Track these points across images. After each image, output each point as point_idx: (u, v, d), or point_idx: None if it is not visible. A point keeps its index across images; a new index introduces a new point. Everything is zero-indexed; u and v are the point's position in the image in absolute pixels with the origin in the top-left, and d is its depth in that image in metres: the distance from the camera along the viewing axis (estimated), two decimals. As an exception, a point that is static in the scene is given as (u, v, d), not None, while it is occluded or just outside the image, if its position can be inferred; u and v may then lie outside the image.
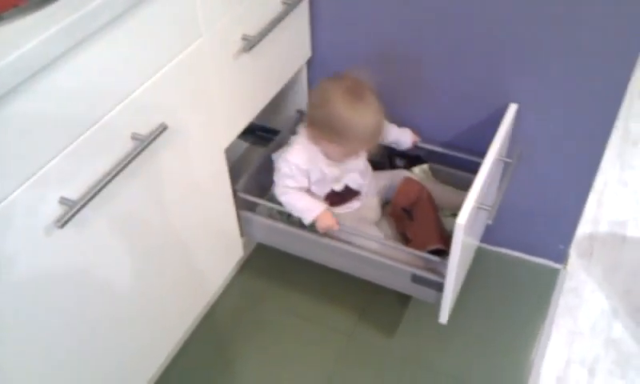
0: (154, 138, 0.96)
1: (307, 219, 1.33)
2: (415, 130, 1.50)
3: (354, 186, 1.40)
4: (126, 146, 0.95)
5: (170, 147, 1.06)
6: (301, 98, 1.59)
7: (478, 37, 1.31)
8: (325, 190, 1.38)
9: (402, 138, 1.48)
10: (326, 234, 1.36)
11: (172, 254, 1.18)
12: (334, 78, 1.30)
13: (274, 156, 1.49)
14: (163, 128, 0.98)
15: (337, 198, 1.39)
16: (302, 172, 1.34)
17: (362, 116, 1.25)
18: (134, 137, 0.96)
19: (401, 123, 1.49)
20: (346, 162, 1.36)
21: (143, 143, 0.94)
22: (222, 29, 1.12)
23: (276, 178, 1.37)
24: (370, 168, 1.46)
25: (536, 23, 1.23)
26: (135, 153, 0.93)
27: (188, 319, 1.34)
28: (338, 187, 1.38)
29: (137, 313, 1.13)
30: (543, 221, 1.53)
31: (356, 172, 1.39)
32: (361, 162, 1.40)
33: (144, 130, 0.97)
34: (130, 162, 0.92)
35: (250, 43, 1.17)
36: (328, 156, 1.34)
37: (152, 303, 1.16)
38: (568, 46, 1.23)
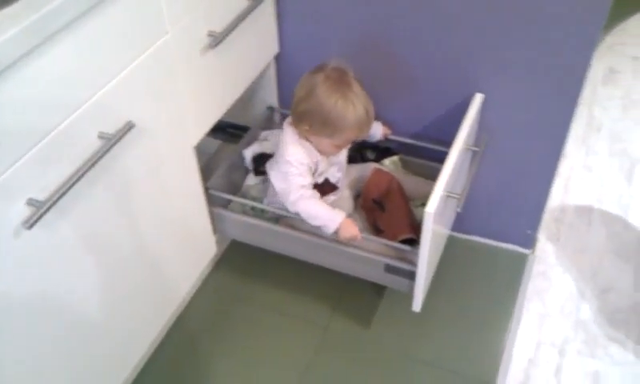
0: (121, 137, 0.96)
1: (330, 228, 1.29)
2: (386, 122, 1.52)
3: (332, 179, 1.40)
4: (93, 145, 0.95)
5: (138, 145, 1.06)
6: (270, 94, 1.59)
7: (444, 29, 1.33)
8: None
9: (373, 130, 1.49)
10: (298, 227, 1.37)
11: (143, 254, 1.18)
12: (317, 70, 1.28)
13: (246, 152, 1.50)
14: (130, 126, 0.98)
15: (316, 191, 1.38)
16: (306, 167, 1.31)
17: (353, 105, 1.24)
18: (101, 136, 0.95)
19: (370, 116, 1.50)
20: (334, 154, 1.36)
21: (110, 142, 0.94)
22: (188, 26, 1.12)
23: (283, 185, 1.32)
24: (345, 161, 1.47)
25: (498, 14, 1.26)
26: (102, 152, 0.93)
27: (161, 320, 1.33)
28: (320, 180, 1.38)
29: (108, 314, 1.12)
30: (511, 207, 1.56)
31: (337, 165, 1.40)
32: (343, 156, 1.41)
33: (111, 128, 0.96)
34: (97, 160, 0.92)
35: (216, 40, 1.17)
36: (319, 150, 1.33)
37: (123, 304, 1.16)
38: (529, 35, 1.26)
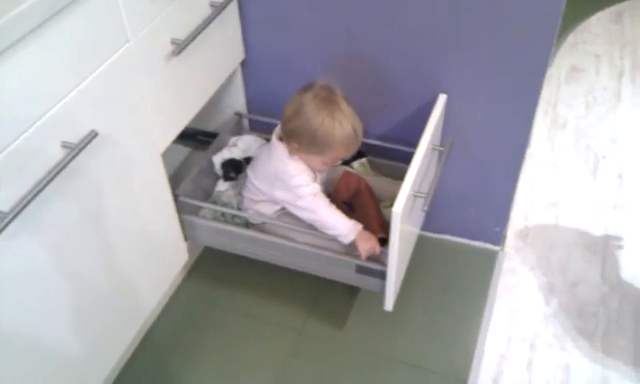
0: (84, 146, 0.95)
1: (347, 238, 1.30)
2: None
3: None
4: (56, 155, 0.94)
5: (103, 154, 1.06)
6: (238, 100, 1.60)
7: (407, 32, 1.35)
8: None
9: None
10: (270, 232, 1.38)
11: (111, 264, 1.17)
12: (305, 89, 1.30)
13: (215, 158, 1.50)
14: (93, 135, 0.97)
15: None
16: (310, 176, 1.33)
17: (340, 123, 1.26)
18: (65, 145, 0.95)
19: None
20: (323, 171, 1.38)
21: (74, 151, 0.94)
22: (150, 33, 1.12)
23: (288, 195, 1.33)
24: None
25: (459, 16, 1.28)
26: (65, 161, 0.92)
27: (132, 330, 1.31)
28: None
29: (75, 326, 1.10)
30: (479, 205, 1.59)
31: (321, 175, 1.42)
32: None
33: (74, 138, 0.96)
34: (60, 170, 0.92)
35: (180, 47, 1.17)
36: (309, 166, 1.34)
37: (91, 316, 1.14)
38: (488, 36, 1.28)
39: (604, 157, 1.97)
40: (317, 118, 1.26)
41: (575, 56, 2.40)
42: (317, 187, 1.33)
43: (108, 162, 1.08)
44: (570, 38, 2.49)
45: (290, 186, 1.32)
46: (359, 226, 1.32)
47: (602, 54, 2.40)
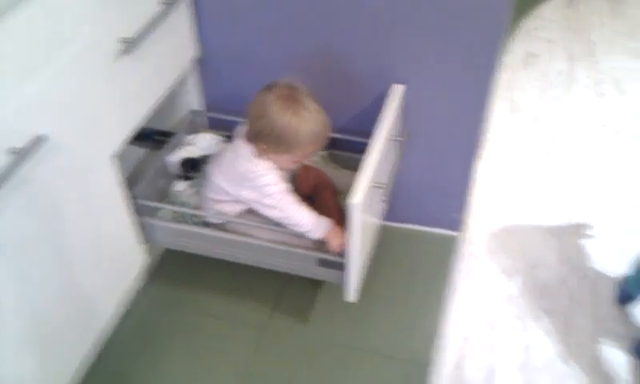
0: (31, 151, 0.93)
1: (317, 235, 1.31)
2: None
3: None
4: (2, 161, 0.92)
5: (54, 159, 1.03)
6: (193, 98, 1.58)
7: (362, 23, 1.35)
8: None
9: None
10: (231, 231, 1.37)
11: (66, 271, 1.15)
12: (268, 88, 1.28)
13: (171, 158, 1.49)
14: (41, 140, 0.95)
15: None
16: (279, 174, 1.32)
17: (306, 121, 1.25)
18: (11, 151, 0.93)
19: (295, 113, 1.52)
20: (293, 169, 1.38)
21: (21, 157, 0.92)
22: (97, 33, 1.10)
23: (263, 194, 1.31)
24: None
25: (411, 6, 1.29)
26: (12, 168, 0.90)
27: (91, 337, 1.29)
28: None
29: (32, 334, 1.08)
30: (438, 193, 1.61)
31: (286, 174, 1.41)
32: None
33: (21, 144, 0.94)
34: (7, 176, 0.90)
35: (129, 46, 1.15)
36: (279, 167, 1.33)
37: (48, 324, 1.12)
38: (440, 26, 1.30)
39: (560, 139, 2.02)
40: (282, 118, 1.25)
41: (529, 42, 2.44)
42: (285, 185, 1.33)
43: (59, 167, 1.06)
44: (524, 25, 2.54)
45: (258, 185, 1.31)
46: (329, 222, 1.32)
47: (556, 40, 2.45)
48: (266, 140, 1.28)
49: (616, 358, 1.44)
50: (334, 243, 1.31)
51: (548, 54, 2.37)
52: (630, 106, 2.11)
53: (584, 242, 1.70)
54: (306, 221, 1.31)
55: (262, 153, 1.30)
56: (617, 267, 1.59)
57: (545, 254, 1.67)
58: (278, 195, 1.31)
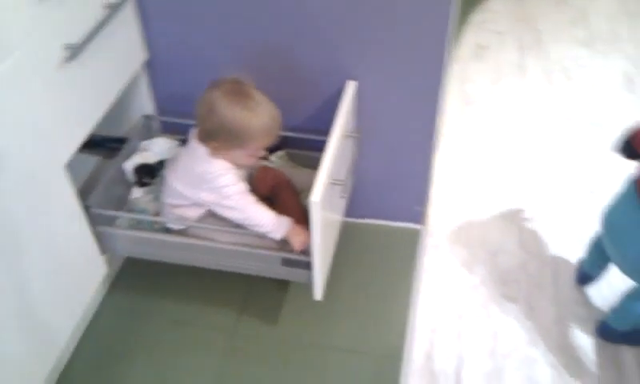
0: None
1: (277, 234, 1.30)
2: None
3: None
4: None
5: (2, 170, 0.99)
6: (146, 102, 1.55)
7: (312, 21, 1.34)
8: None
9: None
10: (192, 235, 1.35)
11: (21, 286, 1.11)
12: (213, 86, 1.27)
13: (126, 165, 1.45)
14: (-14, 151, 0.92)
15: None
16: (236, 175, 1.30)
17: (255, 113, 1.24)
18: (-46, 165, 0.89)
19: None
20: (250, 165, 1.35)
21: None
22: (40, 40, 1.06)
23: (222, 196, 1.29)
24: None
25: (360, 4, 1.29)
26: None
27: (53, 353, 1.25)
28: None
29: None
30: (398, 187, 1.61)
31: (243, 172, 1.38)
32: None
33: (-36, 156, 0.90)
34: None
35: (74, 52, 1.12)
36: (235, 164, 1.31)
37: (5, 343, 1.09)
38: (388, 22, 1.30)
39: (513, 128, 2.05)
40: (231, 113, 1.24)
41: (479, 34, 2.49)
42: (243, 186, 1.31)
43: (7, 179, 1.02)
44: (474, 18, 2.58)
45: (216, 186, 1.29)
46: (289, 221, 1.31)
47: (505, 31, 2.50)
48: (217, 137, 1.26)
49: (581, 339, 1.48)
50: (296, 242, 1.30)
51: (498, 46, 2.42)
52: (579, 93, 2.17)
53: (542, 227, 1.74)
54: (267, 221, 1.30)
55: (216, 151, 1.29)
56: (575, 250, 1.63)
57: (504, 242, 1.70)
58: (237, 196, 1.30)
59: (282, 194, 1.43)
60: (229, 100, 1.24)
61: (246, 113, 1.24)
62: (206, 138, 1.28)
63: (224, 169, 1.29)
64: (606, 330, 1.46)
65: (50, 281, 1.19)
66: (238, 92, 1.25)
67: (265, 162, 1.52)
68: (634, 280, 1.37)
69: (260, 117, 1.25)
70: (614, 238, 1.33)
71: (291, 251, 1.31)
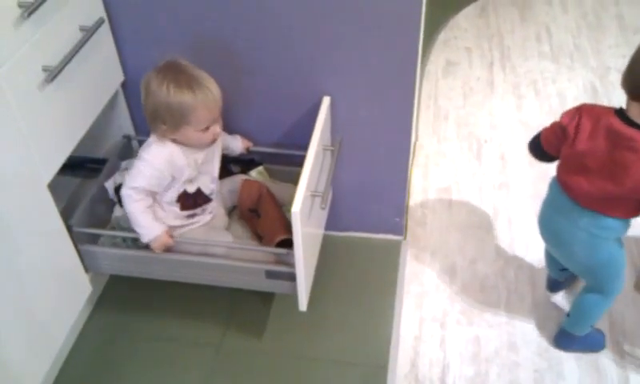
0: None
1: (145, 237, 1.32)
2: (245, 135, 1.54)
3: (206, 190, 1.40)
4: None
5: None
6: (125, 123, 1.56)
7: (286, 39, 1.38)
8: (178, 191, 1.36)
9: (233, 144, 1.51)
10: (172, 250, 1.36)
11: (6, 308, 1.10)
12: (150, 71, 1.29)
13: (107, 184, 1.46)
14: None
15: (189, 200, 1.38)
16: (157, 173, 1.30)
17: (188, 84, 1.25)
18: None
19: (230, 131, 1.52)
20: (205, 162, 1.36)
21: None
22: (18, 62, 1.08)
23: (126, 178, 1.32)
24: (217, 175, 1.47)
25: (332, 20, 1.33)
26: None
27: (40, 373, 1.24)
28: (191, 189, 1.37)
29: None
30: (377, 199, 1.65)
31: (209, 176, 1.40)
32: (215, 167, 1.41)
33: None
34: None
35: (52, 74, 1.14)
36: (188, 144, 1.31)
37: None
38: (359, 38, 1.34)
39: (486, 141, 2.11)
40: (164, 88, 1.24)
41: (448, 51, 2.55)
42: (145, 185, 1.31)
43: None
44: (442, 35, 2.65)
45: (133, 167, 1.31)
46: (160, 229, 1.33)
47: (473, 47, 2.57)
48: (161, 120, 1.28)
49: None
50: (157, 245, 1.33)
51: (467, 62, 2.48)
52: (548, 105, 2.24)
53: (517, 234, 1.78)
54: (141, 222, 1.32)
55: (164, 135, 1.30)
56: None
57: (482, 250, 1.73)
58: (130, 190, 1.30)
59: (266, 207, 1.44)
60: (161, 78, 1.25)
61: (176, 87, 1.24)
62: (153, 122, 1.30)
63: (155, 158, 1.29)
64: (564, 337, 1.47)
65: (35, 301, 1.19)
66: (169, 68, 1.27)
67: (246, 177, 1.53)
68: (583, 277, 1.40)
69: (192, 88, 1.25)
70: (556, 241, 1.35)
71: (274, 263, 1.33)
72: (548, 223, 1.35)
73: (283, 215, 1.44)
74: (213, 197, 1.43)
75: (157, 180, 1.31)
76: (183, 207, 1.38)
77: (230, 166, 1.58)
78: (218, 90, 1.29)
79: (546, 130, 1.29)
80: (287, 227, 1.39)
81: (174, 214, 1.38)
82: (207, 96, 1.27)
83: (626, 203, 1.20)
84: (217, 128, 1.32)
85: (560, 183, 1.27)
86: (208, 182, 1.40)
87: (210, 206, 1.44)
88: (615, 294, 1.37)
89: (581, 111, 1.20)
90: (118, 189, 1.46)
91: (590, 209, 1.22)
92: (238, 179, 1.51)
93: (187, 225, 1.41)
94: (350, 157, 1.54)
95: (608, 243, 1.27)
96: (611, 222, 1.23)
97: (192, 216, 1.41)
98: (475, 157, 2.05)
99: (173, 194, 1.35)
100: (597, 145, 1.16)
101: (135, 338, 1.49)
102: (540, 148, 1.31)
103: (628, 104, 1.13)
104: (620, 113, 1.15)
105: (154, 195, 1.35)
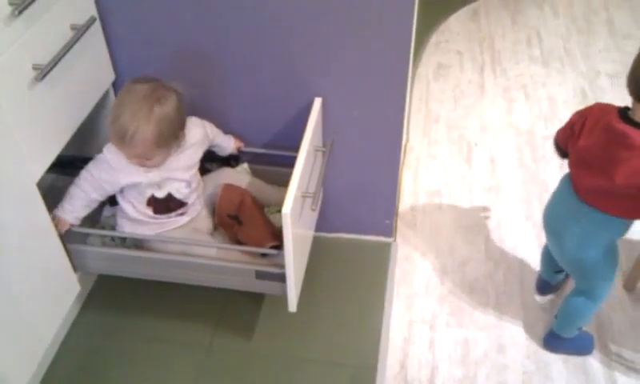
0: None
1: (59, 210, 1.32)
2: (237, 135, 1.54)
3: (178, 195, 1.39)
4: None
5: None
6: (115, 123, 1.55)
7: (278, 40, 1.38)
8: (145, 196, 1.36)
9: (224, 143, 1.51)
10: (158, 249, 1.36)
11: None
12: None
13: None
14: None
15: (160, 205, 1.37)
16: (108, 170, 1.31)
17: (116, 113, 1.24)
18: None
19: (223, 131, 1.52)
20: (168, 169, 1.34)
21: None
22: (8, 61, 1.07)
23: (91, 163, 1.34)
24: (200, 180, 1.47)
25: (323, 23, 1.33)
26: None
27: (27, 374, 1.23)
28: (160, 194, 1.36)
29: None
30: (367, 201, 1.65)
31: (181, 182, 1.38)
32: (186, 174, 1.39)
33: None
34: None
35: (42, 72, 1.13)
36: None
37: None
38: (351, 40, 1.34)
39: (476, 144, 2.12)
40: (112, 111, 1.27)
41: (440, 54, 2.56)
42: (99, 175, 1.33)
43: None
44: (434, 38, 2.66)
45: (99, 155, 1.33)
46: (66, 218, 1.33)
47: (464, 51, 2.58)
48: None
49: (547, 341, 1.51)
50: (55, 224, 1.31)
51: (458, 65, 2.49)
52: (538, 109, 2.25)
53: (506, 236, 1.79)
54: (68, 201, 1.33)
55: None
56: (538, 258, 1.67)
57: (471, 252, 1.74)
58: (86, 173, 1.32)
59: (249, 212, 1.44)
60: (117, 101, 1.27)
61: (112, 124, 1.25)
62: None
63: (116, 159, 1.31)
64: (552, 339, 1.48)
65: (22, 300, 1.18)
66: (126, 90, 1.27)
67: (228, 182, 1.52)
68: (573, 275, 1.41)
69: (124, 140, 1.24)
70: (554, 233, 1.36)
71: (264, 264, 1.33)
72: (553, 214, 1.37)
73: (268, 221, 1.44)
74: (189, 200, 1.42)
75: (107, 173, 1.32)
76: (156, 211, 1.38)
77: (204, 164, 1.54)
78: (151, 133, 1.24)
79: (561, 127, 1.31)
80: (274, 233, 1.39)
81: (147, 216, 1.38)
82: (119, 136, 1.25)
83: (625, 202, 1.20)
84: (147, 162, 1.31)
85: (569, 178, 1.30)
86: (181, 187, 1.39)
87: (189, 209, 1.43)
88: (603, 298, 1.38)
89: (590, 110, 1.22)
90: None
91: (592, 205, 1.23)
92: (219, 183, 1.49)
93: (165, 224, 1.40)
94: (341, 158, 1.54)
95: (602, 242, 1.28)
96: (610, 221, 1.23)
97: (167, 218, 1.40)
98: (465, 160, 2.06)
99: (141, 198, 1.35)
100: (595, 140, 1.18)
101: (124, 338, 1.48)
102: (557, 143, 1.34)
103: (634, 105, 1.14)
104: (622, 111, 1.16)
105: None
